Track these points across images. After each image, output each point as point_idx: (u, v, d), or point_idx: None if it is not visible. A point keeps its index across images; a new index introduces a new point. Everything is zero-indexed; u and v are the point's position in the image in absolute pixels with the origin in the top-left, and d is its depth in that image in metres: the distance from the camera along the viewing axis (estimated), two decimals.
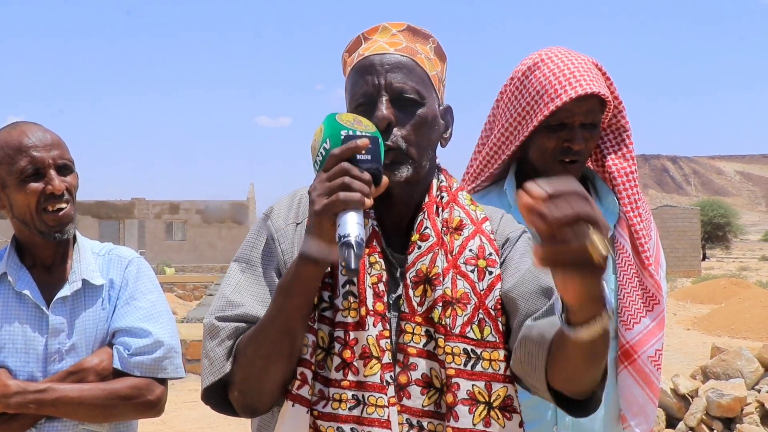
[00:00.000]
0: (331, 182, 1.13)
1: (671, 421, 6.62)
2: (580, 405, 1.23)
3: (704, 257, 38.08)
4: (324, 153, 1.18)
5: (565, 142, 1.77)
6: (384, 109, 1.28)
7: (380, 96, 1.29)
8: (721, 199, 53.22)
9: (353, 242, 1.07)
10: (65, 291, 1.74)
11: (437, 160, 1.42)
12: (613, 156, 1.90)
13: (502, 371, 1.28)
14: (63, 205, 1.73)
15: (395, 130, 1.29)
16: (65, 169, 1.76)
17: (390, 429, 1.20)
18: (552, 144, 1.79)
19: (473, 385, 1.25)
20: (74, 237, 1.83)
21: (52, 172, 1.72)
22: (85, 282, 1.76)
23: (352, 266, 1.05)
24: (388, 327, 1.26)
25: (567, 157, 1.78)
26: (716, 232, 40.70)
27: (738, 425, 6.30)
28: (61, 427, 1.69)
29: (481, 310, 1.29)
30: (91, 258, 1.80)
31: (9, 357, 1.70)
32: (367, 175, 1.14)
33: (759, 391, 6.65)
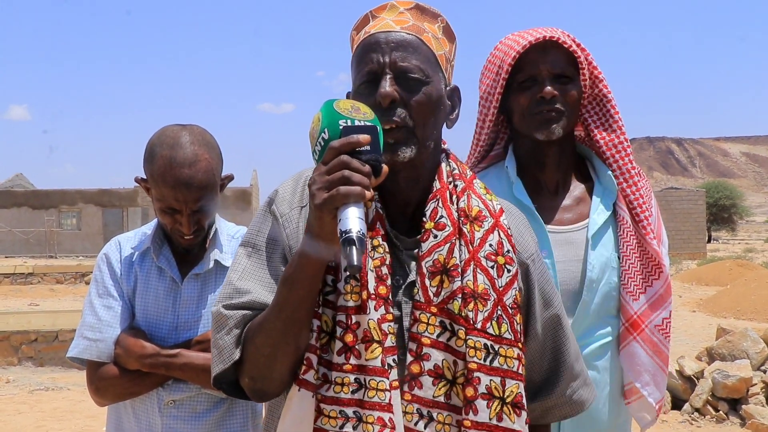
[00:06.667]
0: (330, 175, 1.11)
1: (677, 403, 6.61)
2: None
3: (710, 239, 38.02)
4: (323, 143, 1.16)
5: (537, 95, 1.80)
6: (387, 86, 1.26)
7: (384, 74, 1.28)
8: (726, 181, 53.03)
9: (355, 238, 1.05)
10: (198, 269, 1.91)
11: (446, 145, 1.40)
12: (600, 128, 1.92)
13: (515, 368, 1.29)
14: (190, 237, 1.85)
15: (399, 108, 1.27)
16: (200, 209, 1.83)
17: (392, 413, 1.20)
18: (525, 100, 1.82)
19: (491, 380, 1.26)
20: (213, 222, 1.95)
21: (185, 218, 1.82)
22: (216, 263, 1.91)
23: (354, 263, 1.04)
24: (392, 311, 1.25)
25: (543, 108, 1.80)
26: (722, 214, 40.59)
27: (744, 406, 6.28)
28: (186, 389, 1.84)
29: (499, 307, 1.30)
30: (225, 241, 1.95)
31: (145, 322, 1.88)
32: (367, 168, 1.12)
33: (765, 371, 6.63)
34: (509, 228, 1.37)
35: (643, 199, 1.89)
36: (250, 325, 1.27)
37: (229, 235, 1.98)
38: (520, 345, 1.30)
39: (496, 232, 1.34)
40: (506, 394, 1.27)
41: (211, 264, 1.91)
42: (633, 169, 1.90)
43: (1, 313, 10.67)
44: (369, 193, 1.11)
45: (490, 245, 1.32)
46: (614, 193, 1.89)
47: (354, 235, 1.06)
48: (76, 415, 6.72)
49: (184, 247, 1.90)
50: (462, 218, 1.32)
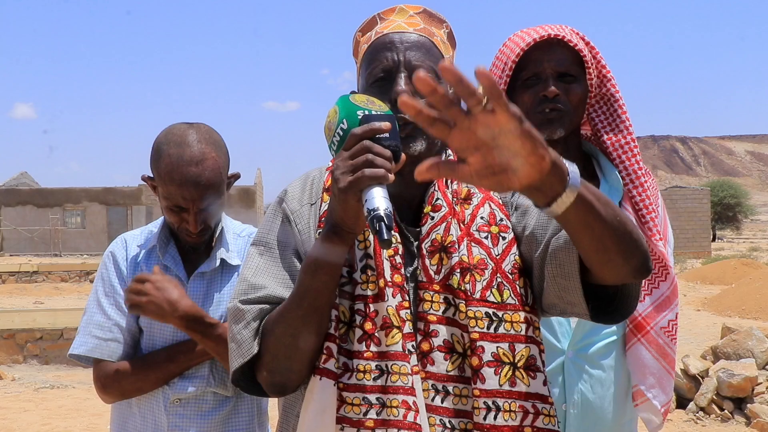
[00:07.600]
0: (354, 160, 1.15)
1: (682, 402, 6.60)
2: (618, 309, 1.28)
3: (714, 238, 37.96)
4: (342, 133, 1.21)
5: (540, 93, 1.80)
6: (403, 84, 1.30)
7: (399, 72, 1.32)
8: (731, 180, 52.96)
9: (383, 215, 1.09)
10: (204, 267, 1.91)
11: None
12: (607, 128, 1.90)
13: (523, 332, 1.31)
14: (196, 235, 1.86)
15: None
16: (207, 207, 1.84)
17: (414, 396, 1.23)
18: (529, 98, 1.81)
19: (497, 347, 1.28)
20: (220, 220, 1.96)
21: (192, 216, 1.82)
22: (223, 261, 1.91)
23: (385, 237, 1.07)
24: (408, 298, 1.28)
25: (545, 106, 1.79)
26: (726, 213, 40.55)
27: (749, 405, 6.27)
28: (192, 387, 1.84)
29: (498, 274, 1.32)
30: (231, 240, 1.96)
31: (150, 320, 1.85)
32: (388, 152, 1.16)
33: None
34: (500, 199, 1.41)
35: (650, 200, 1.87)
36: (268, 317, 1.29)
37: (235, 233, 1.98)
38: (527, 308, 1.32)
39: (486, 205, 1.38)
40: (517, 358, 1.28)
41: (217, 263, 1.91)
42: (640, 170, 1.88)
43: (6, 312, 10.70)
44: (391, 176, 1.14)
45: (482, 218, 1.36)
46: (620, 191, 1.88)
47: (382, 212, 1.09)
48: (82, 413, 6.74)
49: (191, 245, 1.91)
50: (455, 199, 1.37)
